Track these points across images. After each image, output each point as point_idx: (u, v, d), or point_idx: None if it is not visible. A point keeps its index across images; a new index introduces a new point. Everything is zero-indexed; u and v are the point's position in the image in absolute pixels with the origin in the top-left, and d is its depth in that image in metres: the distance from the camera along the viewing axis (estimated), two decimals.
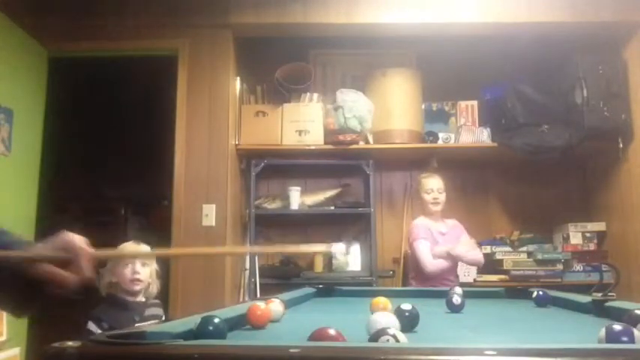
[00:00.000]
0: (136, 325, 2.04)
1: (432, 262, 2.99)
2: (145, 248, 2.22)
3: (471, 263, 3.26)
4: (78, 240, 0.99)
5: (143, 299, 2.27)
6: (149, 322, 2.10)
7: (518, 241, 3.62)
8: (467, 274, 3.50)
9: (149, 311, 2.25)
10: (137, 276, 2.20)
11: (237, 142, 3.44)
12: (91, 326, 2.06)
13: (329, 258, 3.66)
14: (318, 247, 2.53)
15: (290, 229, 3.83)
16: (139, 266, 2.21)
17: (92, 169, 4.85)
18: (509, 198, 3.92)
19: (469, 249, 3.11)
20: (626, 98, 3.33)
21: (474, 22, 3.36)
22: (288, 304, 1.71)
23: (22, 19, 2.98)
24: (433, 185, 3.15)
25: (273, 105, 3.55)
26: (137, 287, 2.22)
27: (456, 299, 1.71)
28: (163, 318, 2.30)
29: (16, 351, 2.76)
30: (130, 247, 2.20)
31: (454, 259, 3.05)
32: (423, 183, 3.20)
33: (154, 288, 2.32)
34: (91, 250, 1.00)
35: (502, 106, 3.57)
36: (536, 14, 3.32)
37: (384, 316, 1.06)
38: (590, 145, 3.41)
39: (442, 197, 3.15)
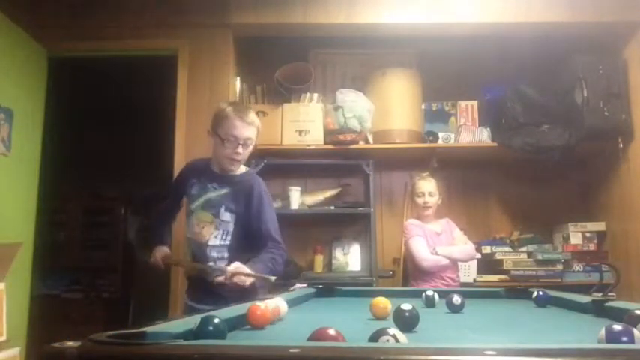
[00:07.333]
0: None
1: (428, 258, 2.99)
2: None
3: (462, 259, 3.19)
4: None
5: None
6: None
7: (518, 241, 3.62)
8: (467, 274, 3.50)
9: None
10: None
11: None
12: None
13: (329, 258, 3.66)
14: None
15: (290, 229, 3.81)
16: None
17: (92, 169, 4.85)
18: (509, 198, 3.92)
19: (460, 244, 3.12)
20: (626, 98, 3.32)
21: (474, 22, 3.36)
22: (288, 304, 1.70)
23: (21, 19, 2.98)
24: (424, 189, 3.14)
25: (273, 105, 3.55)
26: None
27: (456, 299, 1.72)
28: None
29: (16, 351, 2.75)
30: None
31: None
32: (415, 185, 3.20)
33: None
34: None
35: (502, 106, 3.57)
36: (536, 14, 3.32)
37: None
38: (590, 145, 3.41)
39: (433, 201, 3.13)
